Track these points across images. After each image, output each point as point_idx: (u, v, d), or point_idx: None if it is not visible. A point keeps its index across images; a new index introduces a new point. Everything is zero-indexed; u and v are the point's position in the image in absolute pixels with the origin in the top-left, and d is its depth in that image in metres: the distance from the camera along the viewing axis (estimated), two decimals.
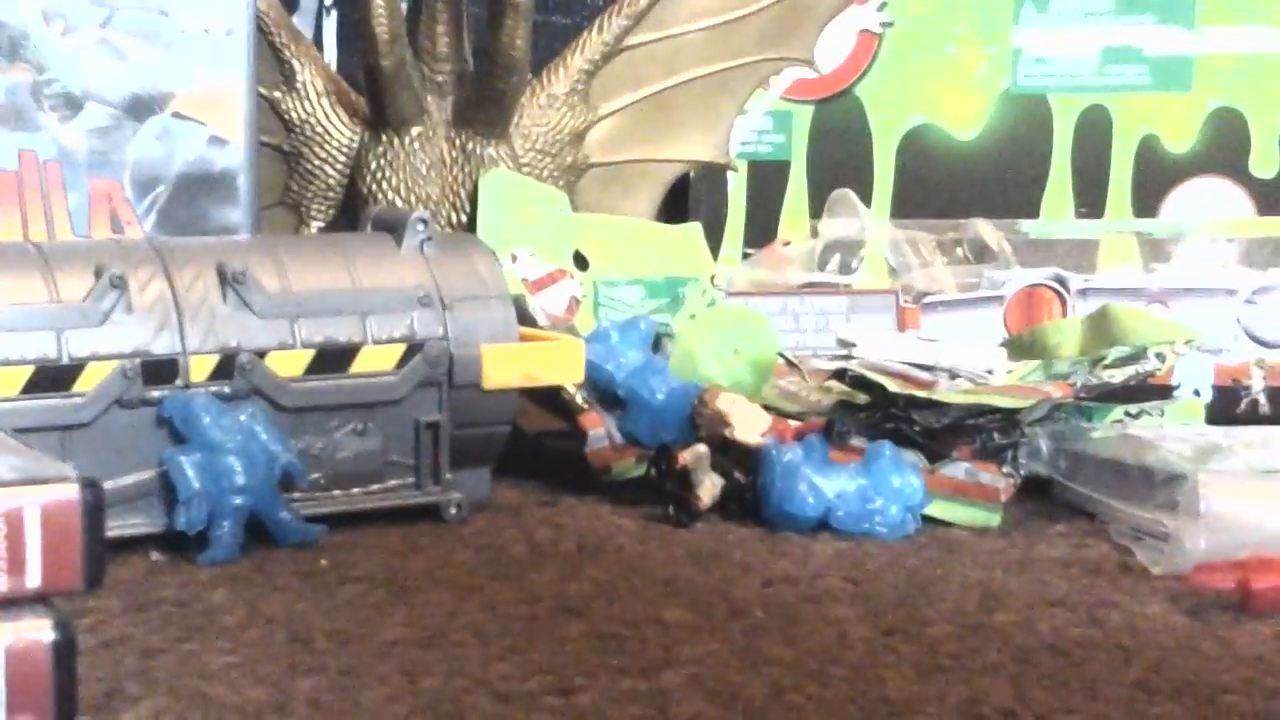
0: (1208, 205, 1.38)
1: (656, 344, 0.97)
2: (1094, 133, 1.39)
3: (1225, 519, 0.77)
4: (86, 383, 0.78)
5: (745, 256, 1.35)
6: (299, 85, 1.13)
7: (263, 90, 1.10)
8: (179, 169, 1.02)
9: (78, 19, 1.00)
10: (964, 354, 0.96)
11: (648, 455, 0.89)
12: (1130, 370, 0.93)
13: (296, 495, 0.81)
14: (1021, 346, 1.01)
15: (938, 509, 0.86)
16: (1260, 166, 1.38)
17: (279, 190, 1.14)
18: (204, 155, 1.02)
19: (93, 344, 0.78)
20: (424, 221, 0.87)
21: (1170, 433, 0.91)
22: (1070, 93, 1.39)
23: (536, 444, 0.98)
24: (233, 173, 1.03)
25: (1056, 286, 1.12)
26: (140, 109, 1.01)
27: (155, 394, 0.79)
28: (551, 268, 1.12)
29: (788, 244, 1.26)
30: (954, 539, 0.84)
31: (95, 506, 0.46)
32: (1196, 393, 1.03)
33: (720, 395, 0.89)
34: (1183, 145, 1.39)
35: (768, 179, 1.40)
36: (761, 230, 1.39)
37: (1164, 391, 1.01)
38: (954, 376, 0.93)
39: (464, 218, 1.13)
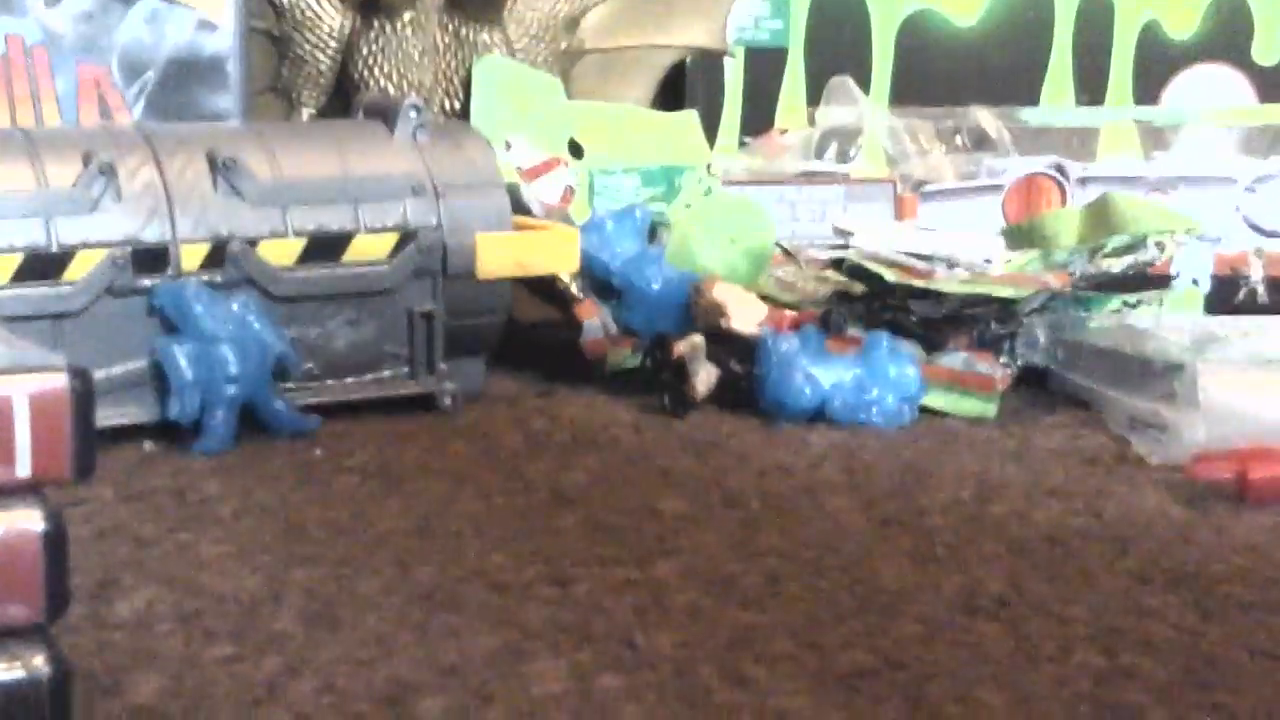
0: (1210, 92, 1.36)
1: (652, 233, 0.96)
2: (1095, 19, 1.37)
3: (1223, 409, 0.77)
4: (76, 271, 0.77)
5: (742, 145, 1.34)
6: None
7: None
8: (168, 54, 1.00)
9: None
10: (962, 243, 0.96)
11: (643, 345, 0.89)
12: (1129, 259, 0.92)
13: (290, 385, 0.81)
14: (1020, 236, 1.00)
15: (934, 399, 0.86)
16: (1263, 53, 1.36)
17: (269, 76, 1.13)
18: (193, 40, 1.01)
19: (82, 232, 0.77)
20: (417, 108, 0.86)
21: (1168, 322, 0.91)
22: None
23: (531, 334, 0.98)
24: (222, 58, 1.01)
25: (1056, 175, 1.11)
26: None
27: (146, 283, 0.78)
28: (546, 155, 1.11)
29: (785, 132, 1.25)
30: (950, 429, 0.84)
31: (84, 395, 0.46)
32: (1195, 282, 1.03)
33: (716, 285, 0.88)
34: (1184, 32, 1.37)
35: (765, 66, 1.39)
36: (758, 118, 1.37)
37: (1163, 281, 1.00)
38: (952, 265, 0.92)
39: (458, 105, 1.11)
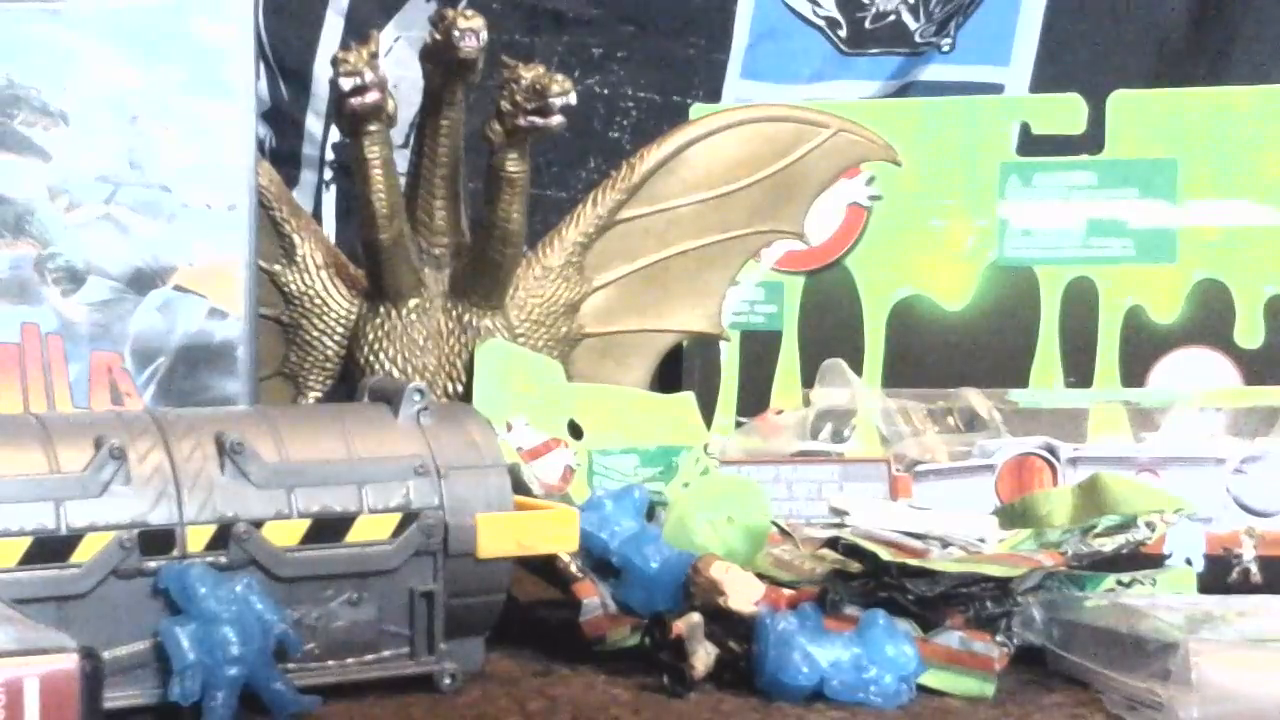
0: (1194, 375, 1.39)
1: (650, 513, 0.97)
2: (1080, 304, 1.41)
3: (1218, 688, 0.77)
4: (84, 553, 0.78)
5: (738, 425, 1.36)
6: (299, 259, 1.15)
7: (263, 263, 1.11)
8: (179, 341, 1.03)
9: (82, 195, 1.02)
10: (956, 522, 0.97)
11: (642, 624, 0.89)
12: (1121, 539, 0.93)
13: (290, 665, 0.81)
14: (1013, 515, 1.01)
15: (932, 678, 0.86)
16: (1245, 337, 1.39)
17: (277, 361, 1.16)
18: (204, 327, 1.04)
19: (91, 515, 0.79)
20: (420, 391, 0.88)
21: (1162, 601, 0.92)
22: (1056, 264, 1.41)
23: (531, 613, 0.98)
24: (232, 344, 1.04)
25: (1047, 455, 1.12)
26: (142, 282, 1.03)
27: (152, 564, 0.79)
28: (546, 436, 1.13)
29: (780, 413, 1.27)
30: (949, 708, 0.84)
31: (94, 677, 0.47)
32: (1188, 561, 1.03)
33: (714, 564, 0.89)
34: (1168, 316, 1.40)
35: (760, 349, 1.42)
36: (754, 399, 1.40)
37: (1155, 560, 1.01)
38: (946, 545, 0.93)
39: (460, 388, 1.14)
